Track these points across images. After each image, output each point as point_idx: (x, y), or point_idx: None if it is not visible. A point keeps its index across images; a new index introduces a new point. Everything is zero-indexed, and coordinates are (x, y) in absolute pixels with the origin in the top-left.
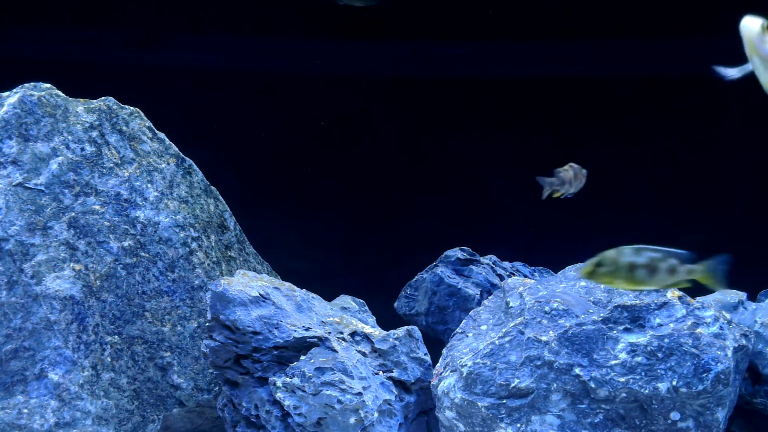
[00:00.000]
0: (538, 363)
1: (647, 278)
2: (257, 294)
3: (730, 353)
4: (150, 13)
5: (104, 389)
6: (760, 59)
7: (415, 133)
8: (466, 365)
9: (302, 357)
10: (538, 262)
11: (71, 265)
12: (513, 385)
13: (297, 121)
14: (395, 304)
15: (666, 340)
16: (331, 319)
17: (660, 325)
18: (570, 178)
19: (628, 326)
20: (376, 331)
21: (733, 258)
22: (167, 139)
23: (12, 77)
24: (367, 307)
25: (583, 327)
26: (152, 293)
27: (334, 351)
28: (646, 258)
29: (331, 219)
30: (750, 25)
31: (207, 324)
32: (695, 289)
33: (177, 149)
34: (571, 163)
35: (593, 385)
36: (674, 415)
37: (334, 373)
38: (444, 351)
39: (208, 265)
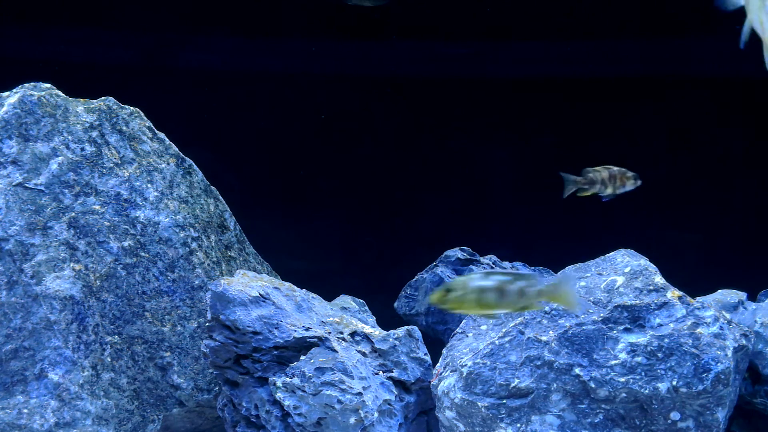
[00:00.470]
0: (538, 363)
1: (498, 301)
2: (257, 294)
3: (730, 353)
4: (153, 15)
5: (104, 389)
6: None
7: (415, 133)
8: (466, 365)
9: (302, 357)
10: (538, 262)
11: (71, 265)
12: (513, 385)
13: (297, 121)
14: (395, 304)
15: (666, 340)
16: (331, 319)
17: (660, 325)
18: (603, 178)
19: (628, 326)
20: (376, 331)
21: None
22: (167, 139)
23: (12, 77)
24: (367, 307)
25: (583, 327)
26: (152, 293)
27: (334, 351)
28: (495, 281)
29: (331, 219)
30: None
31: (207, 324)
32: (694, 290)
33: (177, 149)
34: (609, 166)
35: (593, 385)
36: (674, 415)
37: (334, 373)
38: (444, 351)
39: (208, 265)
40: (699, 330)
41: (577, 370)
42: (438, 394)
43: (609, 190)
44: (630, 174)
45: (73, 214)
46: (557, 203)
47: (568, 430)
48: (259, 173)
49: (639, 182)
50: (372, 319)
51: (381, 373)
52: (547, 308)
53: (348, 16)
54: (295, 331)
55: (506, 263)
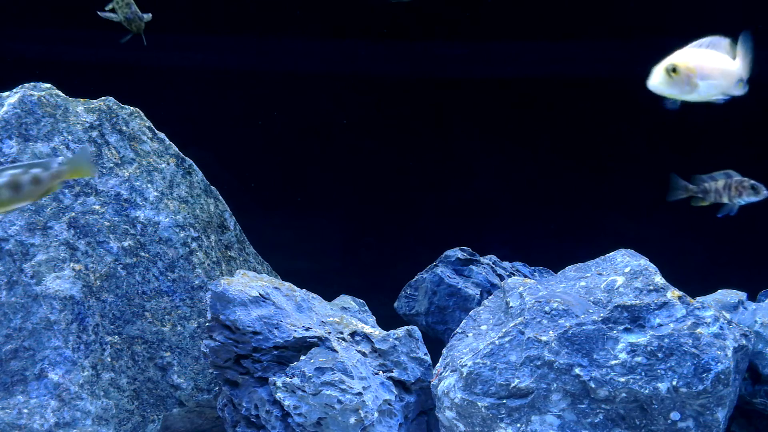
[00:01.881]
0: (538, 363)
1: (14, 197)
2: (257, 294)
3: (730, 353)
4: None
5: (104, 389)
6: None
7: (415, 133)
8: (466, 365)
9: (302, 357)
10: (538, 262)
11: (71, 265)
12: (513, 385)
13: (297, 121)
14: (395, 304)
15: (666, 340)
16: (331, 319)
17: (660, 325)
18: (717, 188)
19: (628, 326)
20: (376, 331)
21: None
22: (167, 139)
23: (12, 77)
24: (367, 307)
25: (583, 327)
26: (152, 293)
27: (334, 351)
28: (7, 177)
29: (331, 219)
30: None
31: (207, 324)
32: (694, 290)
33: (177, 149)
34: (730, 171)
35: (593, 385)
36: (674, 415)
37: (334, 373)
38: (444, 351)
39: (208, 265)
40: (699, 330)
41: (577, 370)
42: (438, 394)
43: (725, 199)
44: (748, 183)
45: (73, 214)
46: (557, 203)
47: (568, 430)
48: (259, 173)
49: (765, 193)
50: (372, 319)
51: (381, 373)
52: (546, 308)
53: (349, 18)
54: (295, 331)
55: (506, 263)
